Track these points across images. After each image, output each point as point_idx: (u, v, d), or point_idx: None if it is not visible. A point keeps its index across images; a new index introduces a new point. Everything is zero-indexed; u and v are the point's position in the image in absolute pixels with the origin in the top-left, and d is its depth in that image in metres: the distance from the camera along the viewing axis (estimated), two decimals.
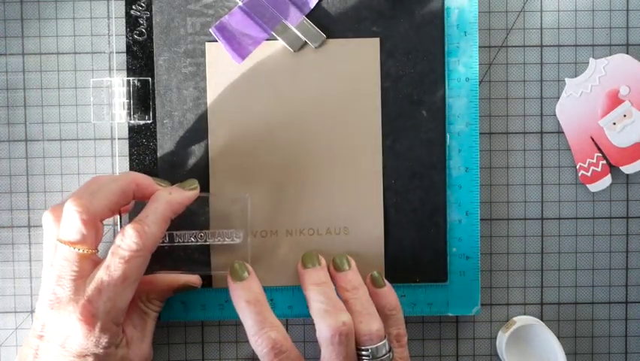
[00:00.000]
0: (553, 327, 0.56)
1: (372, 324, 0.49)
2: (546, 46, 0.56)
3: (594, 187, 0.56)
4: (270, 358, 0.48)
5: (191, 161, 0.54)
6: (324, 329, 0.48)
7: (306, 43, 0.54)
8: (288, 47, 0.53)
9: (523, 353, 0.55)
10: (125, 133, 0.54)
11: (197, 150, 0.54)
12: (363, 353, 0.49)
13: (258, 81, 0.54)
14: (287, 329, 0.53)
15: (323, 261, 0.53)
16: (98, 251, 0.48)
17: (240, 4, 0.53)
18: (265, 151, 0.54)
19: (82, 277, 0.46)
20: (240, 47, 0.53)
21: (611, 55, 0.55)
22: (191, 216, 0.53)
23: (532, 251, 0.56)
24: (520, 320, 0.55)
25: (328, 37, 0.54)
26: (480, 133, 0.55)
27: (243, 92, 0.54)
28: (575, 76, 0.55)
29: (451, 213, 0.54)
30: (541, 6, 0.55)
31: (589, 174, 0.55)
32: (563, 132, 0.56)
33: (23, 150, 0.55)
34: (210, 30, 0.53)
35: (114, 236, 0.48)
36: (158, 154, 0.54)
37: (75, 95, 0.55)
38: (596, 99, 0.55)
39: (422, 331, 0.57)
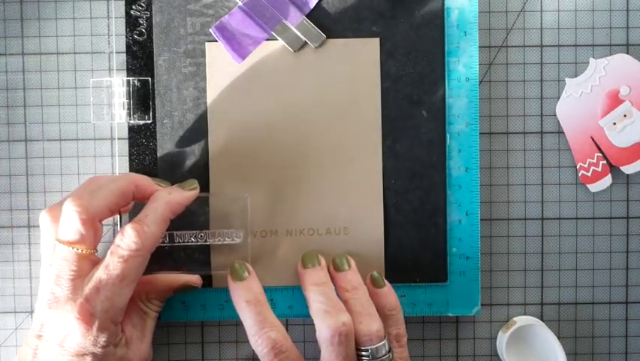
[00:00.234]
0: (554, 327, 0.56)
1: (371, 324, 0.49)
2: (546, 46, 0.56)
3: (594, 187, 0.56)
4: (270, 358, 0.48)
5: (191, 161, 0.54)
6: (323, 330, 0.48)
7: (306, 43, 0.54)
8: (288, 47, 0.53)
9: (524, 354, 0.55)
10: (125, 133, 0.54)
11: (197, 150, 0.54)
12: (363, 353, 0.49)
13: (258, 81, 0.54)
14: (287, 329, 0.53)
15: (323, 261, 0.53)
16: (96, 251, 0.48)
17: (240, 4, 0.53)
18: (265, 151, 0.54)
19: (80, 276, 0.46)
20: (240, 47, 0.53)
21: (611, 55, 0.55)
22: (191, 217, 0.53)
23: (533, 251, 0.56)
24: (521, 320, 0.55)
25: (328, 37, 0.54)
26: (480, 133, 0.55)
27: (243, 92, 0.54)
28: (575, 76, 0.55)
29: (451, 214, 0.54)
30: (541, 6, 0.55)
31: (589, 174, 0.55)
32: (563, 132, 0.56)
33: (23, 150, 0.55)
34: (210, 30, 0.53)
35: (114, 236, 0.48)
36: (158, 154, 0.54)
37: (75, 95, 0.55)
38: (596, 99, 0.55)
39: (422, 331, 0.56)
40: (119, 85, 0.54)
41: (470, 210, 0.54)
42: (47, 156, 0.55)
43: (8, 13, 0.55)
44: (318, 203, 0.54)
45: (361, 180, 0.54)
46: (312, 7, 0.53)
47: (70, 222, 0.46)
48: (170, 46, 0.53)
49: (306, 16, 0.53)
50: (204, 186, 0.53)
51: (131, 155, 0.54)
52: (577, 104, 0.55)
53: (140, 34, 0.53)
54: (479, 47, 0.55)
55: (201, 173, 0.54)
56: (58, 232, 0.47)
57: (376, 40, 0.54)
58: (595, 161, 0.55)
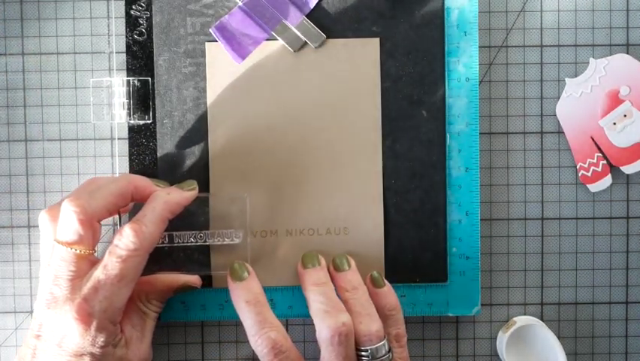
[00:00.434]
0: (554, 327, 0.56)
1: (371, 324, 0.49)
2: (546, 46, 0.55)
3: (594, 187, 0.56)
4: (269, 358, 0.48)
5: (191, 161, 0.54)
6: (323, 330, 0.48)
7: (306, 43, 0.54)
8: (288, 47, 0.53)
9: (524, 354, 0.55)
10: (125, 133, 0.54)
11: (196, 150, 0.54)
12: (363, 353, 0.49)
13: (258, 81, 0.54)
14: (287, 329, 0.53)
15: (323, 261, 0.53)
16: (95, 251, 0.48)
17: (240, 4, 0.53)
18: (265, 151, 0.54)
19: (79, 277, 0.46)
20: (240, 47, 0.53)
21: (611, 55, 0.55)
22: (191, 217, 0.53)
23: (533, 251, 0.56)
24: (521, 320, 0.55)
25: (328, 37, 0.54)
26: (480, 133, 0.55)
27: (243, 92, 0.54)
28: (575, 76, 0.55)
29: (451, 214, 0.54)
30: (541, 6, 0.55)
31: (589, 174, 0.55)
32: (563, 132, 0.56)
33: (23, 150, 0.55)
34: (210, 30, 0.53)
35: (113, 236, 0.48)
36: (158, 154, 0.54)
37: (75, 95, 0.55)
38: (596, 99, 0.55)
39: (422, 331, 0.56)
40: (119, 85, 0.54)
41: (470, 210, 0.54)
42: (47, 156, 0.55)
43: (8, 13, 0.55)
44: (318, 203, 0.54)
45: (361, 180, 0.54)
46: (312, 7, 0.53)
47: (69, 222, 0.46)
48: (170, 46, 0.53)
49: (306, 16, 0.53)
50: (204, 186, 0.53)
51: (131, 155, 0.54)
52: (577, 104, 0.55)
53: (140, 34, 0.53)
54: (479, 47, 0.55)
55: (201, 173, 0.54)
56: (57, 233, 0.47)
57: (376, 41, 0.54)
58: (595, 161, 0.55)
